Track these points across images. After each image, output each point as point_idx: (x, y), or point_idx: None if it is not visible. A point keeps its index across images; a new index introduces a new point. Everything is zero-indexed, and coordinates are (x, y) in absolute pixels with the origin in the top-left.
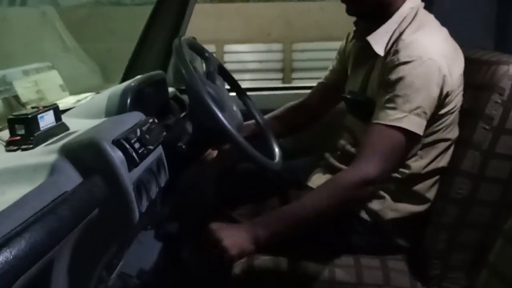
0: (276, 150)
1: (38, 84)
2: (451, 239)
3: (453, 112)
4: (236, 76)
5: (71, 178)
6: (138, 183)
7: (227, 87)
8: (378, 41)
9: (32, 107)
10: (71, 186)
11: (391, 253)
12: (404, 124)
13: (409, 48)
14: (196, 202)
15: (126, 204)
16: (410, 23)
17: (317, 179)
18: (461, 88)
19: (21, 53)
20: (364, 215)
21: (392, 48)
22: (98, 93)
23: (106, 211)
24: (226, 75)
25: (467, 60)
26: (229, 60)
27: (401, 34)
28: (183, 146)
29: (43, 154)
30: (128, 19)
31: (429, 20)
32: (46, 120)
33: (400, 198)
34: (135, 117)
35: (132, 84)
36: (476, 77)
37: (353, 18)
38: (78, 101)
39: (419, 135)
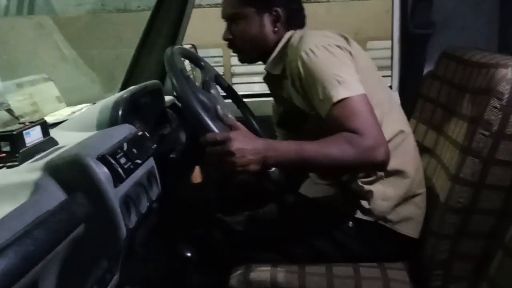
0: None
1: (33, 96)
2: (452, 249)
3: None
4: (244, 79)
5: (55, 196)
6: (125, 199)
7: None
8: (272, 66)
9: (19, 123)
10: (53, 205)
11: (391, 261)
12: (346, 93)
13: (295, 49)
14: (193, 211)
15: (112, 220)
16: (289, 39)
17: (308, 188)
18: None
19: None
20: (361, 220)
21: (287, 60)
22: (94, 103)
23: (93, 228)
24: (223, 84)
25: (465, 63)
26: (236, 63)
27: (286, 49)
28: (175, 157)
29: (28, 171)
30: (135, 24)
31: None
32: (33, 136)
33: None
34: (124, 131)
35: (125, 96)
36: (475, 81)
37: (360, 19)
38: (73, 112)
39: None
